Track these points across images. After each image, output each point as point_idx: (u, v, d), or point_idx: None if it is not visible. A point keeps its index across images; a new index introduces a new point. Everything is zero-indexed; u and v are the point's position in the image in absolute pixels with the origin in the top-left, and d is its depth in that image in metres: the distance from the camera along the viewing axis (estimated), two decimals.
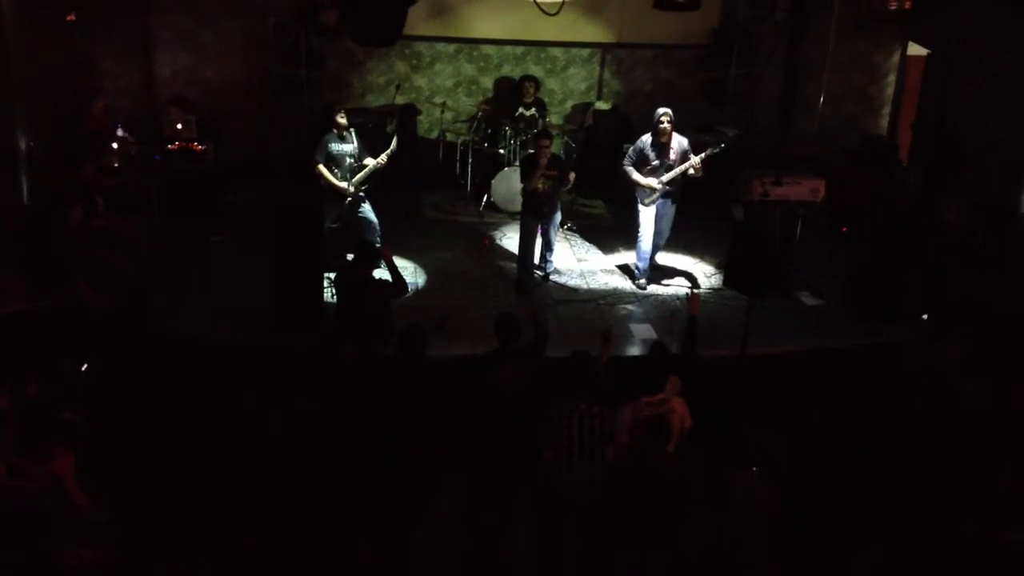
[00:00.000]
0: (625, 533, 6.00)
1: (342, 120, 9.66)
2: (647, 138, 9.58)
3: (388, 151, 9.70)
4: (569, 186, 10.04)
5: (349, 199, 9.67)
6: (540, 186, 9.44)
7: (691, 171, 9.45)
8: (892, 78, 13.63)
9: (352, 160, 9.69)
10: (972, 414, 7.26)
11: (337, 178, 9.61)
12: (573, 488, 6.14)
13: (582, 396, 6.18)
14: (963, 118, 11.76)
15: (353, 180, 9.66)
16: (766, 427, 6.93)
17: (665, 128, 9.42)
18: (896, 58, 13.52)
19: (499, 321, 6.85)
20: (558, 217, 9.94)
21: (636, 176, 9.59)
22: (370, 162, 9.68)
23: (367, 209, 9.79)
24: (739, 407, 7.30)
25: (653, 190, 9.54)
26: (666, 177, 9.49)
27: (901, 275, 9.29)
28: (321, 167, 9.57)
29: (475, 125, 12.19)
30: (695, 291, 9.28)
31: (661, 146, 9.49)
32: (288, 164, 10.74)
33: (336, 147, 9.62)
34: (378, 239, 9.64)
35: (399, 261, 8.29)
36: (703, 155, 9.38)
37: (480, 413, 6.67)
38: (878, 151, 12.07)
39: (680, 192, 9.71)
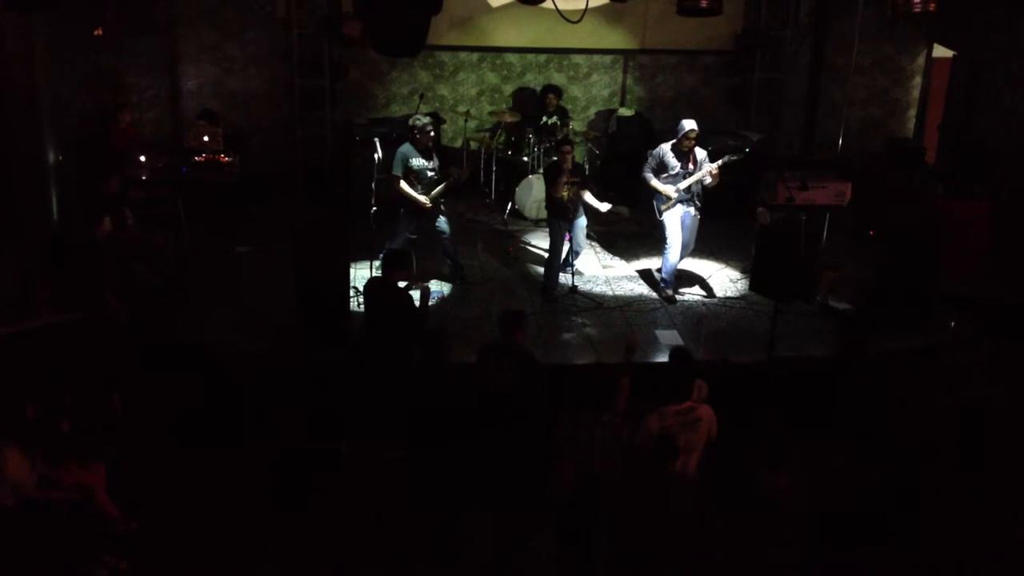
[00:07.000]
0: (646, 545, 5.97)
1: (425, 133, 9.37)
2: (667, 146, 9.57)
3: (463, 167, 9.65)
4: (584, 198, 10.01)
5: (427, 214, 9.51)
6: (565, 192, 9.46)
7: (707, 179, 9.44)
8: (917, 80, 13.54)
9: (433, 174, 9.50)
10: (998, 419, 7.19)
11: (417, 192, 9.39)
12: (597, 500, 6.10)
13: (606, 407, 6.16)
14: (988, 120, 11.64)
15: (432, 195, 9.47)
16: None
17: (692, 140, 9.44)
18: (921, 60, 13.44)
19: (503, 316, 7.11)
20: (583, 220, 9.93)
21: (655, 182, 9.59)
22: (446, 175, 9.53)
23: (443, 221, 9.69)
24: (768, 412, 7.27)
25: (669, 197, 9.54)
26: (683, 184, 9.49)
27: (928, 279, 9.21)
28: (403, 183, 9.34)
29: (498, 134, 12.21)
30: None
31: (683, 154, 9.49)
32: (312, 175, 10.71)
33: (417, 162, 9.38)
34: (448, 245, 9.77)
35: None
36: (720, 162, 9.36)
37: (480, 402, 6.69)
38: (904, 154, 11.97)
39: (702, 201, 9.67)
